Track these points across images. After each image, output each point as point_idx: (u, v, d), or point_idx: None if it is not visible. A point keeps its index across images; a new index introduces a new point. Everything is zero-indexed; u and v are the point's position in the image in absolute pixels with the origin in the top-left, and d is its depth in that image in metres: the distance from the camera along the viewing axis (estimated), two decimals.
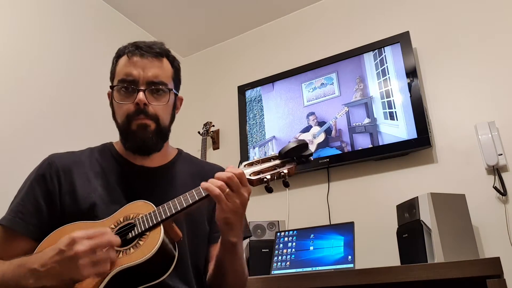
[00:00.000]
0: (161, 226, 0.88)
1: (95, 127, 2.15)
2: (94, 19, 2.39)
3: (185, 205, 0.89)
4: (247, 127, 2.46)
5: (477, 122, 1.86)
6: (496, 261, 1.24)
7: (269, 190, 0.91)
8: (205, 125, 2.60)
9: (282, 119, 2.35)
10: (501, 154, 1.77)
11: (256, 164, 0.94)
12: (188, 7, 2.58)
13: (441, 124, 2.00)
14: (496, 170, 1.79)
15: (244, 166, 0.94)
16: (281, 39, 2.64)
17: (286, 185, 0.92)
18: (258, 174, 0.91)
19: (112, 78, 1.08)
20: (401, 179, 2.01)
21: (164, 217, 0.88)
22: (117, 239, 0.81)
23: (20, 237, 0.94)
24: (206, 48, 2.97)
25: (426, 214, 1.52)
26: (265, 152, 2.35)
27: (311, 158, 0.93)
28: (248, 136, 2.44)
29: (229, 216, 0.89)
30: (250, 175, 0.91)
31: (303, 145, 0.91)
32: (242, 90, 2.56)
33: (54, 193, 0.98)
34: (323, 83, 2.29)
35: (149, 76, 1.02)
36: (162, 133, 1.05)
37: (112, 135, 1.14)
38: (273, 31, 2.70)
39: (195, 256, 1.03)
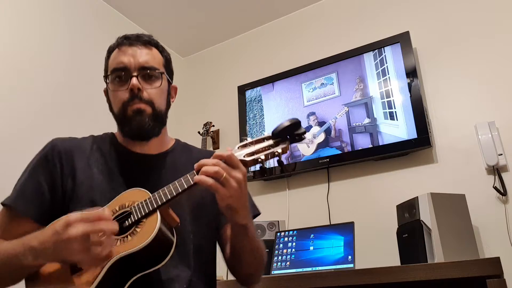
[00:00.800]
0: (158, 213, 0.87)
1: (95, 126, 2.15)
2: (94, 19, 2.39)
3: (180, 190, 0.88)
4: (247, 127, 2.46)
5: (477, 122, 1.86)
6: (496, 261, 1.24)
7: (264, 171, 0.91)
8: (205, 125, 2.60)
9: (282, 119, 2.34)
10: (501, 154, 1.77)
11: (249, 146, 0.92)
12: (188, 7, 2.58)
13: (441, 124, 2.00)
14: (496, 170, 1.79)
15: (238, 148, 0.92)
16: (281, 39, 2.64)
17: (281, 164, 0.91)
18: (252, 155, 0.90)
19: (106, 73, 1.10)
20: (401, 179, 2.01)
21: (160, 203, 0.88)
22: (113, 226, 0.80)
23: (21, 217, 0.95)
24: (206, 48, 2.97)
25: (426, 214, 1.52)
26: None
27: (305, 136, 0.92)
28: (248, 136, 2.44)
29: (230, 202, 0.88)
30: (244, 156, 0.90)
31: (296, 124, 0.90)
32: (242, 90, 2.56)
33: (56, 175, 0.99)
34: (323, 83, 2.29)
35: (140, 62, 1.04)
36: (158, 118, 1.06)
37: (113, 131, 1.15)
38: (273, 31, 2.70)
39: (198, 238, 1.02)
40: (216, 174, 0.84)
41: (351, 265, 1.64)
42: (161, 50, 1.12)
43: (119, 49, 1.07)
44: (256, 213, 1.14)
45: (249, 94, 2.52)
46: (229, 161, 0.87)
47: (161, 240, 0.86)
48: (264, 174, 0.93)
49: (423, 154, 1.99)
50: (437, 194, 1.55)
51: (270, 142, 0.92)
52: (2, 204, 0.97)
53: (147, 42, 1.09)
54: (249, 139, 0.94)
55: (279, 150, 0.90)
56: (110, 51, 1.10)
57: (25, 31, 1.99)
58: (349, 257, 1.66)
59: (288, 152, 0.93)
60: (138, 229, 0.86)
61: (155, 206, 0.88)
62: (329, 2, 2.53)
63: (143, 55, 1.06)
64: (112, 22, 2.50)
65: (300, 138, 0.91)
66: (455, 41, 2.07)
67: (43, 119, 1.96)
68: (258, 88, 2.50)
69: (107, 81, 1.07)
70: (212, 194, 0.89)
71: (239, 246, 0.99)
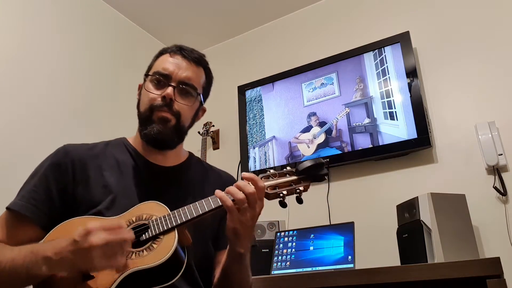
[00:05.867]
0: (175, 231, 0.88)
1: (95, 127, 2.15)
2: (94, 19, 2.39)
3: (200, 212, 0.90)
4: (247, 127, 2.46)
5: (477, 122, 1.86)
6: (496, 261, 1.24)
7: (284, 205, 0.93)
8: (205, 125, 2.60)
9: (282, 119, 2.35)
10: (501, 154, 1.77)
11: (272, 178, 0.95)
12: (188, 8, 2.58)
13: (441, 124, 2.00)
14: (496, 170, 1.79)
15: (261, 178, 0.94)
16: (281, 39, 2.64)
17: (300, 201, 0.94)
18: (274, 189, 0.93)
19: (148, 70, 1.12)
20: (401, 179, 2.01)
21: (179, 222, 0.89)
22: (131, 235, 0.81)
23: (29, 224, 0.93)
24: (206, 48, 2.97)
25: (426, 214, 1.52)
26: (265, 152, 2.35)
27: (326, 177, 0.96)
28: (248, 136, 2.44)
29: (238, 227, 0.90)
30: (266, 188, 0.92)
31: (320, 164, 0.94)
32: (242, 90, 2.56)
33: (68, 182, 0.98)
34: (323, 83, 2.29)
35: (183, 76, 1.06)
36: (180, 132, 1.08)
37: (113, 135, 1.14)
38: (273, 31, 2.70)
39: (200, 258, 1.03)
40: (239, 201, 0.87)
41: (351, 265, 1.64)
42: (208, 72, 1.16)
43: (170, 55, 1.09)
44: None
45: (249, 94, 2.52)
46: (258, 192, 0.89)
47: (175, 259, 0.87)
48: (284, 207, 0.95)
49: (423, 154, 1.99)
50: (437, 194, 1.55)
51: (293, 178, 0.96)
52: (8, 208, 0.94)
53: (198, 60, 1.11)
54: (272, 171, 0.96)
55: (301, 188, 0.95)
56: (161, 52, 1.12)
57: (25, 32, 1.99)
58: (349, 257, 1.66)
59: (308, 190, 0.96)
60: (154, 245, 0.87)
61: (174, 224, 0.89)
62: (329, 2, 2.53)
63: (188, 71, 1.07)
64: (112, 22, 2.50)
65: (322, 178, 0.95)
66: (455, 41, 2.07)
67: (42, 119, 1.96)
68: (258, 88, 2.50)
69: (146, 78, 1.09)
70: (212, 216, 0.91)
71: (231, 274, 1.00)
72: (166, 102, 1.03)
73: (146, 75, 1.09)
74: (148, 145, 1.06)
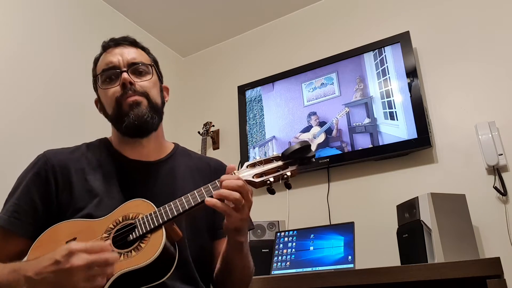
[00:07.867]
0: (163, 229, 0.86)
1: (92, 126, 2.15)
2: (94, 18, 2.39)
3: (187, 207, 0.88)
4: (247, 127, 2.46)
5: (477, 122, 1.86)
6: (496, 261, 1.24)
7: (272, 192, 0.90)
8: (205, 125, 2.60)
9: (282, 119, 2.35)
10: (501, 154, 1.77)
11: (258, 165, 0.92)
12: (188, 7, 2.58)
13: (441, 124, 2.00)
14: (496, 170, 1.79)
15: (247, 167, 0.92)
16: (281, 39, 2.64)
17: (288, 187, 0.92)
18: (261, 176, 0.90)
19: (94, 80, 1.10)
20: (401, 179, 2.01)
21: (166, 219, 0.87)
22: (115, 257, 0.79)
23: (16, 237, 0.93)
24: (206, 48, 2.97)
25: (426, 214, 1.52)
26: (265, 152, 2.35)
27: (313, 159, 0.93)
28: (248, 136, 2.44)
29: (238, 225, 0.90)
30: (253, 177, 0.90)
31: (306, 147, 0.91)
32: (242, 90, 2.55)
33: (51, 191, 0.97)
34: (323, 83, 2.29)
35: (129, 59, 1.04)
36: (155, 109, 1.04)
37: (108, 134, 1.14)
38: (273, 31, 2.70)
39: (195, 251, 1.01)
40: (236, 201, 0.85)
41: (351, 265, 1.64)
42: (148, 52, 1.13)
43: (106, 52, 1.07)
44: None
45: (249, 94, 2.52)
46: (246, 187, 0.88)
47: (164, 256, 0.85)
48: (272, 194, 0.93)
49: (423, 154, 1.99)
50: (437, 194, 1.55)
51: (279, 163, 0.92)
52: None
53: (134, 42, 1.10)
54: (258, 158, 0.94)
55: (288, 173, 0.91)
56: (97, 58, 1.11)
57: (22, 30, 1.99)
58: (349, 257, 1.66)
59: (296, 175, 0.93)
60: (142, 245, 0.85)
61: (161, 222, 0.87)
62: (329, 2, 2.53)
63: (131, 53, 1.06)
64: (112, 22, 2.50)
65: (309, 161, 0.92)
66: (455, 41, 2.07)
67: (38, 118, 1.96)
68: (258, 88, 2.50)
69: (96, 83, 1.07)
70: (205, 206, 0.89)
71: (232, 262, 0.99)
72: (127, 87, 1.00)
73: (95, 82, 1.08)
74: (134, 137, 1.04)
